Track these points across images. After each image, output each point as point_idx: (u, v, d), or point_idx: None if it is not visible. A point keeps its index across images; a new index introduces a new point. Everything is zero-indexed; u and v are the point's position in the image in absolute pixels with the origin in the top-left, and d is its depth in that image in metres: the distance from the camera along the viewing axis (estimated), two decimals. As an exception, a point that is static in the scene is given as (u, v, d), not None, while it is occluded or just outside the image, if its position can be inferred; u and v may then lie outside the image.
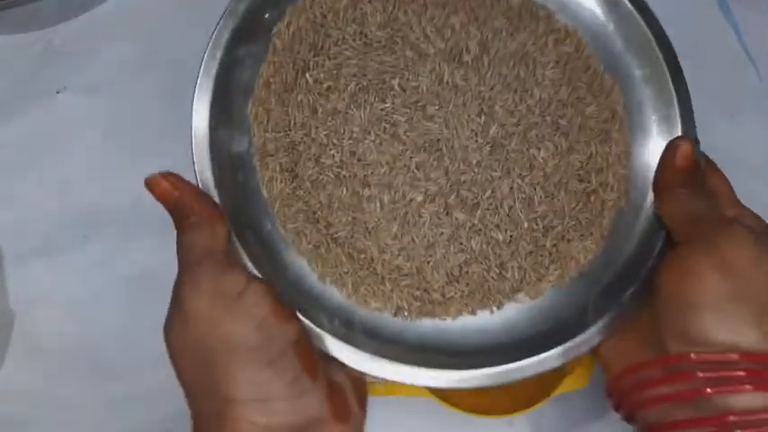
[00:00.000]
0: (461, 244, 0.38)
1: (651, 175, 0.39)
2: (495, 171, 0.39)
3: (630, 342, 0.35)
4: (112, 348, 0.50)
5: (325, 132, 0.39)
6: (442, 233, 0.38)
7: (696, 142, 0.38)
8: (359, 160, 0.39)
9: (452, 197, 0.38)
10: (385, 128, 0.39)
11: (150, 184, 0.35)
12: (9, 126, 0.51)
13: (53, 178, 0.51)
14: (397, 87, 0.39)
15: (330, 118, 0.39)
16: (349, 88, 0.39)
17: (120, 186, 0.51)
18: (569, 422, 0.47)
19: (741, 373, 0.31)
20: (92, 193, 0.51)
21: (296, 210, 0.39)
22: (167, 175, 0.35)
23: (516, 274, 0.39)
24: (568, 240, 0.39)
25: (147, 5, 0.51)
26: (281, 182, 0.39)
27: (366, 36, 0.40)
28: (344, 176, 0.39)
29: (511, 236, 0.39)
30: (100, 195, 0.51)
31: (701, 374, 0.31)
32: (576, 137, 0.39)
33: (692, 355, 0.31)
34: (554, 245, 0.39)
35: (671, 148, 0.37)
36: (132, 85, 0.51)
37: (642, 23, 0.40)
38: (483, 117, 0.39)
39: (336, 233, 0.39)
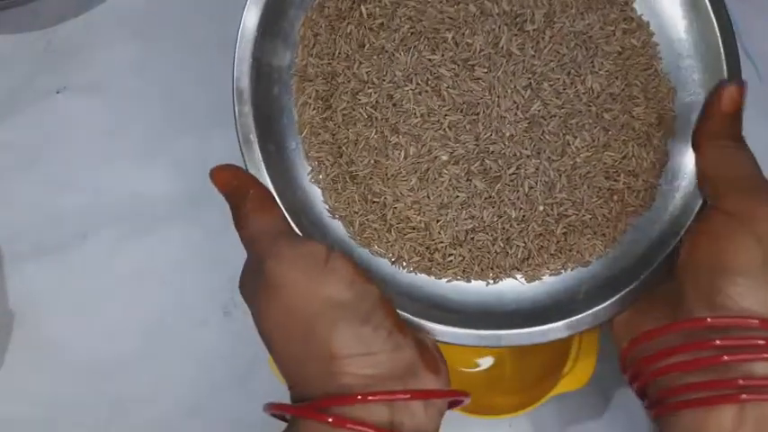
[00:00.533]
0: (473, 211, 0.38)
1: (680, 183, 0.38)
2: (526, 149, 0.38)
3: (643, 316, 0.35)
4: (112, 348, 0.50)
5: (367, 69, 0.38)
6: (457, 197, 0.38)
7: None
8: (394, 105, 0.38)
9: (476, 164, 0.38)
10: (428, 79, 0.38)
11: (213, 173, 0.37)
12: (9, 126, 0.51)
13: (53, 178, 0.51)
14: (450, 41, 0.38)
15: (376, 56, 0.38)
16: (401, 30, 0.38)
17: (119, 186, 0.51)
18: (569, 422, 0.47)
19: (761, 342, 0.30)
20: (92, 193, 0.51)
21: (322, 140, 0.39)
22: (228, 166, 0.37)
23: (520, 253, 0.39)
24: (580, 234, 0.39)
25: (147, 5, 0.51)
26: (314, 109, 0.39)
27: None
28: (376, 118, 0.38)
29: (524, 215, 0.38)
30: (100, 195, 0.51)
31: (718, 342, 0.31)
32: (615, 134, 0.39)
33: (708, 319, 0.31)
34: (564, 233, 0.39)
35: (718, 91, 0.35)
36: (132, 85, 0.51)
37: (716, 29, 0.38)
38: (528, 91, 0.38)
39: (356, 172, 0.39)
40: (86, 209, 0.50)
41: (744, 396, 0.30)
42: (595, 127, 0.38)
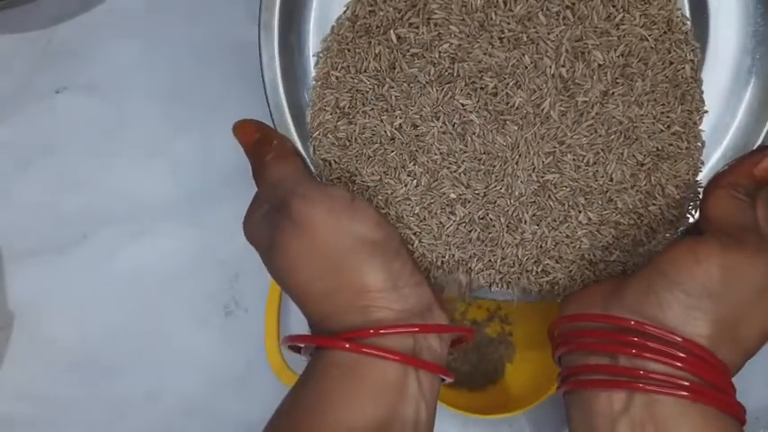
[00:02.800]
0: (465, 250, 0.38)
1: None
2: (527, 213, 0.37)
3: (589, 298, 0.36)
4: (112, 348, 0.50)
5: (396, 94, 0.37)
6: (453, 235, 0.38)
7: None
8: (417, 136, 0.37)
9: (479, 213, 0.37)
10: (455, 123, 0.37)
11: (236, 126, 0.37)
12: (8, 125, 0.51)
13: (53, 178, 0.51)
14: (490, 89, 0.36)
15: (407, 83, 0.37)
16: (439, 66, 0.36)
17: (119, 186, 0.51)
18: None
19: (679, 353, 0.31)
20: (91, 193, 0.51)
21: (332, 142, 0.39)
22: (252, 120, 0.37)
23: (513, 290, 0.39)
24: (560, 296, 0.39)
25: (147, 5, 0.51)
26: (331, 114, 0.38)
27: (489, 18, 0.36)
28: (399, 141, 0.37)
29: (512, 270, 0.39)
30: (99, 195, 0.51)
31: (635, 339, 0.32)
32: (622, 219, 0.38)
33: (632, 322, 0.32)
34: (545, 292, 0.39)
35: (756, 155, 0.35)
36: (132, 84, 0.51)
37: None
38: (550, 158, 0.37)
39: (362, 181, 0.38)
40: (86, 209, 0.50)
41: (636, 384, 0.32)
42: (605, 210, 0.37)
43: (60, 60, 0.51)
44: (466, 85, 0.36)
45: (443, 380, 0.35)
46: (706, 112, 0.38)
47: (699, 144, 0.38)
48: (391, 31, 0.37)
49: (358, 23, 0.38)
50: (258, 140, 0.36)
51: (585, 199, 0.37)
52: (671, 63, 0.37)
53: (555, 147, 0.36)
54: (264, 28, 0.39)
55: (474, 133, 0.37)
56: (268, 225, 0.34)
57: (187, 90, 0.51)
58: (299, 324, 0.49)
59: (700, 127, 0.38)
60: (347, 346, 0.32)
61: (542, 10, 0.36)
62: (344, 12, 0.38)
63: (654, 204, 0.38)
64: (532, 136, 0.36)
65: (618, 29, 0.36)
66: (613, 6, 0.36)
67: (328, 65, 0.38)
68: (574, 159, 0.37)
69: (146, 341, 0.50)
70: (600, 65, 0.36)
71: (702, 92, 0.38)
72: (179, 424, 0.49)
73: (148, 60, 0.51)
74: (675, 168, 0.37)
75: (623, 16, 0.36)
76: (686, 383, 0.31)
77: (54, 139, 0.51)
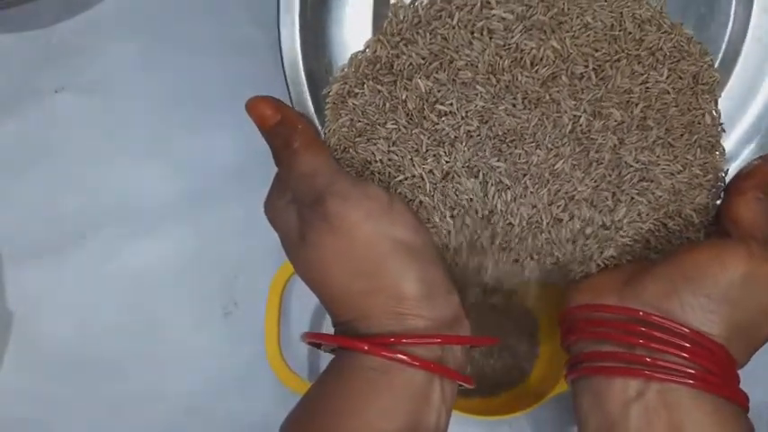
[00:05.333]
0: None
1: None
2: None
3: (603, 286, 0.36)
4: (112, 348, 0.50)
5: (428, 140, 0.36)
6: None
7: None
8: (443, 186, 0.37)
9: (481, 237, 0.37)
10: (483, 174, 0.36)
11: (249, 105, 0.35)
12: (7, 125, 0.51)
13: (52, 178, 0.51)
14: (514, 153, 0.36)
15: (431, 135, 0.36)
16: (466, 129, 0.36)
17: (118, 186, 0.51)
18: (569, 422, 0.47)
19: (686, 344, 0.32)
20: (90, 193, 0.51)
21: (343, 149, 0.37)
22: (268, 97, 0.35)
23: None
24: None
25: (147, 5, 0.51)
26: (345, 128, 0.37)
27: (516, 79, 0.36)
28: (417, 186, 0.37)
29: None
30: (99, 195, 0.51)
31: (643, 329, 0.33)
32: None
33: (641, 313, 0.33)
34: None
35: None
36: (132, 84, 0.51)
37: None
38: (557, 211, 0.37)
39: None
40: (86, 209, 0.50)
41: (646, 372, 0.32)
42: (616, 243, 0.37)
43: (60, 60, 0.51)
44: (494, 146, 0.36)
45: (461, 385, 0.35)
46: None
47: (722, 174, 0.38)
48: (418, 80, 0.36)
49: (379, 64, 0.37)
50: (279, 124, 0.35)
51: (598, 243, 0.37)
52: (689, 110, 0.36)
53: (565, 200, 0.36)
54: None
55: (489, 183, 0.36)
56: (296, 216, 0.34)
57: (187, 90, 0.51)
58: (299, 325, 0.49)
59: (720, 162, 0.37)
60: (384, 353, 0.32)
61: (566, 72, 0.35)
62: (364, 50, 0.37)
63: (671, 222, 0.37)
64: (545, 194, 0.36)
65: (641, 86, 0.36)
66: (639, 63, 0.36)
67: (343, 88, 0.37)
68: (580, 216, 0.36)
69: (145, 341, 0.50)
70: (617, 122, 0.36)
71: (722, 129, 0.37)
72: (179, 424, 0.49)
73: (148, 60, 0.51)
74: (693, 195, 0.37)
75: (648, 75, 0.36)
76: (692, 371, 0.32)
77: (53, 139, 0.51)
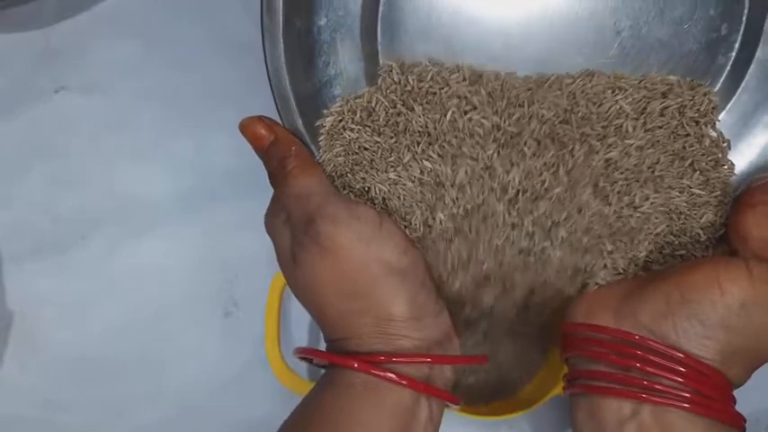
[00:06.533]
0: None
1: None
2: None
3: (603, 301, 0.36)
4: (112, 348, 0.50)
5: (432, 194, 0.36)
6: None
7: None
8: (434, 239, 0.36)
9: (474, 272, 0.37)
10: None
11: (243, 126, 0.35)
12: (7, 125, 0.51)
13: (51, 178, 0.51)
14: (508, 223, 0.36)
15: (428, 179, 0.36)
16: (461, 182, 0.35)
17: (119, 186, 0.51)
18: (569, 423, 0.47)
19: (680, 369, 0.32)
20: (90, 193, 0.51)
21: (345, 182, 0.37)
22: (262, 118, 0.35)
23: None
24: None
25: (147, 5, 0.51)
26: (339, 156, 0.36)
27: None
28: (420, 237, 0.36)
29: None
30: (98, 195, 0.51)
31: (639, 352, 0.33)
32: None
33: (636, 336, 0.33)
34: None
35: None
36: (131, 84, 0.51)
37: None
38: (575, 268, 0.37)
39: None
40: (86, 209, 0.50)
41: (642, 395, 0.32)
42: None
43: (60, 60, 0.51)
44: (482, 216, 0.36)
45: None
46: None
47: (729, 190, 0.36)
48: (413, 121, 0.35)
49: (374, 114, 0.36)
50: (273, 144, 0.35)
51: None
52: (675, 140, 0.36)
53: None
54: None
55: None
56: (290, 236, 0.34)
57: (187, 90, 0.51)
58: (298, 326, 0.49)
59: (729, 176, 0.36)
60: (374, 371, 0.32)
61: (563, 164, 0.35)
62: (359, 97, 0.36)
63: (677, 240, 0.37)
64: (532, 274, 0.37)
65: (642, 145, 0.35)
66: (603, 139, 0.35)
67: (339, 128, 0.36)
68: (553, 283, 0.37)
69: (145, 341, 0.50)
70: (614, 182, 0.36)
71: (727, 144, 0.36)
72: (179, 424, 0.49)
73: (148, 60, 0.51)
74: (699, 214, 0.36)
75: (650, 137, 0.35)
76: (687, 395, 0.32)
77: (53, 139, 0.51)
